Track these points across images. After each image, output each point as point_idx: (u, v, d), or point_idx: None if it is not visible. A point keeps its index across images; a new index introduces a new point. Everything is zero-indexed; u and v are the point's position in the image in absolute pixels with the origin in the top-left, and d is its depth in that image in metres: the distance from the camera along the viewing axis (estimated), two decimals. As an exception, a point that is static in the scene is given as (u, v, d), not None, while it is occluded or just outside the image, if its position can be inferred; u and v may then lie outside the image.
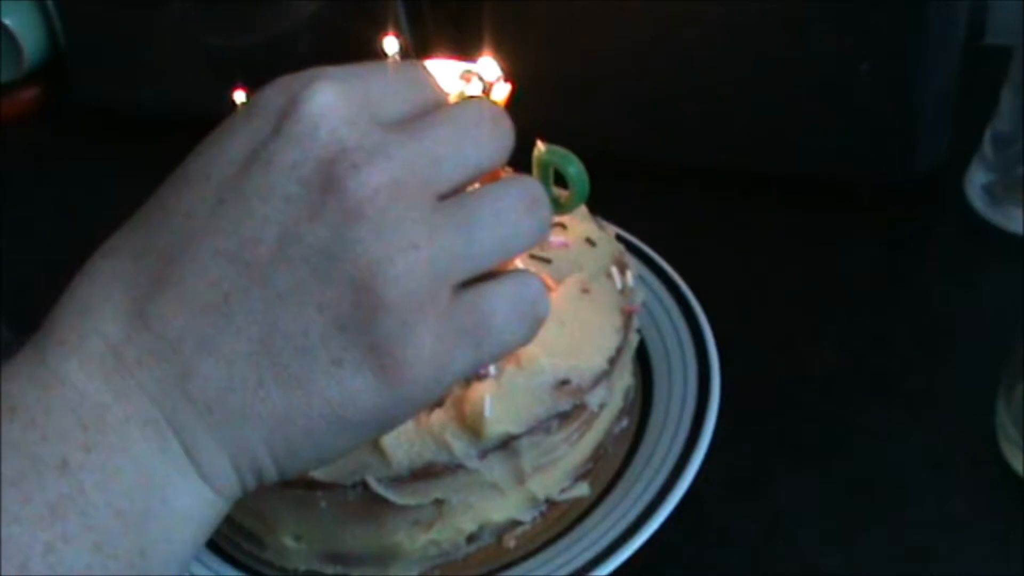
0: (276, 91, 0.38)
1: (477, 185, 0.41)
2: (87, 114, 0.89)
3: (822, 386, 0.62)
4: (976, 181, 0.70)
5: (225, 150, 0.38)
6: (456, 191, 0.39)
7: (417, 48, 0.72)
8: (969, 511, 0.55)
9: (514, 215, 0.40)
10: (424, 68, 0.42)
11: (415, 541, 0.52)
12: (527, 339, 0.41)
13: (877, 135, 0.69)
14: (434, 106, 0.40)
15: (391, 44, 0.56)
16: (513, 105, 0.54)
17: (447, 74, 0.49)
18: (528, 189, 0.41)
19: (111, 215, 0.80)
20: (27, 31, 0.91)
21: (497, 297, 0.39)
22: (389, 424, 0.39)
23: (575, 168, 0.52)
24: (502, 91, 0.53)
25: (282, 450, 0.37)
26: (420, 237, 0.37)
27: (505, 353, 0.40)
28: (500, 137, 0.40)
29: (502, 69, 0.54)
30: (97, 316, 0.37)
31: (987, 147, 0.69)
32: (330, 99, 0.37)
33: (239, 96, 0.57)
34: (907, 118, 0.68)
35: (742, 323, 0.64)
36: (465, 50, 0.55)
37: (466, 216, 0.38)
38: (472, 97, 0.42)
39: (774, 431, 0.60)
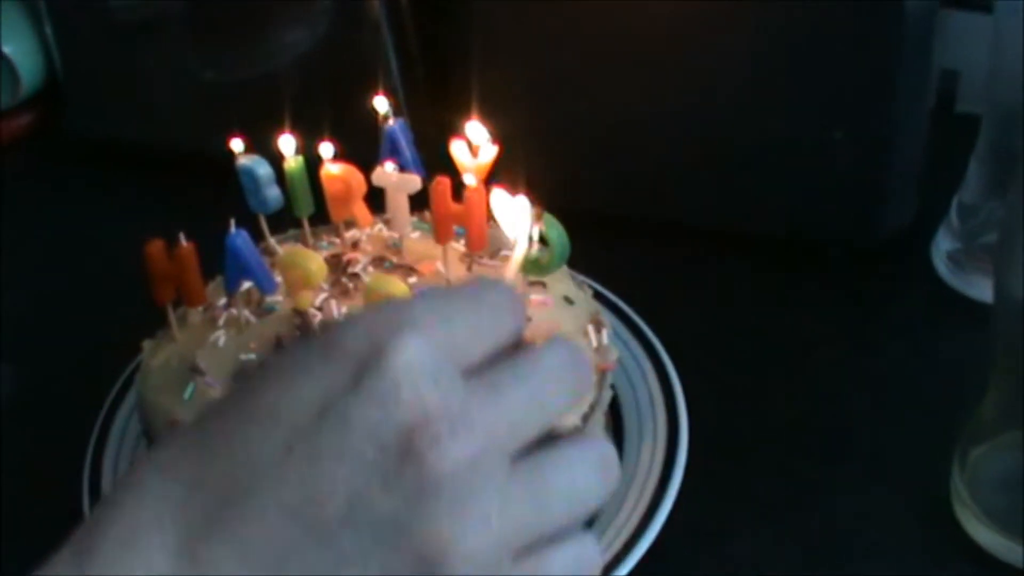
0: (358, 334, 0.36)
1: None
2: (81, 142, 0.89)
3: (784, 443, 0.63)
4: (942, 248, 0.71)
5: (297, 390, 0.36)
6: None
7: (408, 101, 0.74)
8: (922, 570, 0.57)
9: (586, 482, 0.38)
10: (506, 288, 0.39)
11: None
12: None
13: (846, 199, 0.70)
14: (515, 336, 0.38)
15: (381, 103, 0.58)
16: (500, 164, 0.56)
17: (514, 209, 0.49)
18: (604, 455, 0.38)
19: (99, 244, 0.81)
20: (24, 59, 0.92)
21: (556, 564, 0.37)
22: None
23: (556, 231, 0.55)
24: (489, 153, 0.56)
25: None
26: (493, 509, 0.35)
27: None
28: (579, 387, 0.39)
29: (489, 131, 0.56)
30: (145, 545, 0.35)
31: (954, 215, 0.70)
32: (415, 356, 0.35)
33: (236, 144, 0.59)
34: (875, 184, 0.69)
35: (711, 379, 0.65)
36: (454, 104, 0.57)
37: (541, 486, 0.37)
38: (558, 339, 0.39)
39: (737, 485, 0.61)
